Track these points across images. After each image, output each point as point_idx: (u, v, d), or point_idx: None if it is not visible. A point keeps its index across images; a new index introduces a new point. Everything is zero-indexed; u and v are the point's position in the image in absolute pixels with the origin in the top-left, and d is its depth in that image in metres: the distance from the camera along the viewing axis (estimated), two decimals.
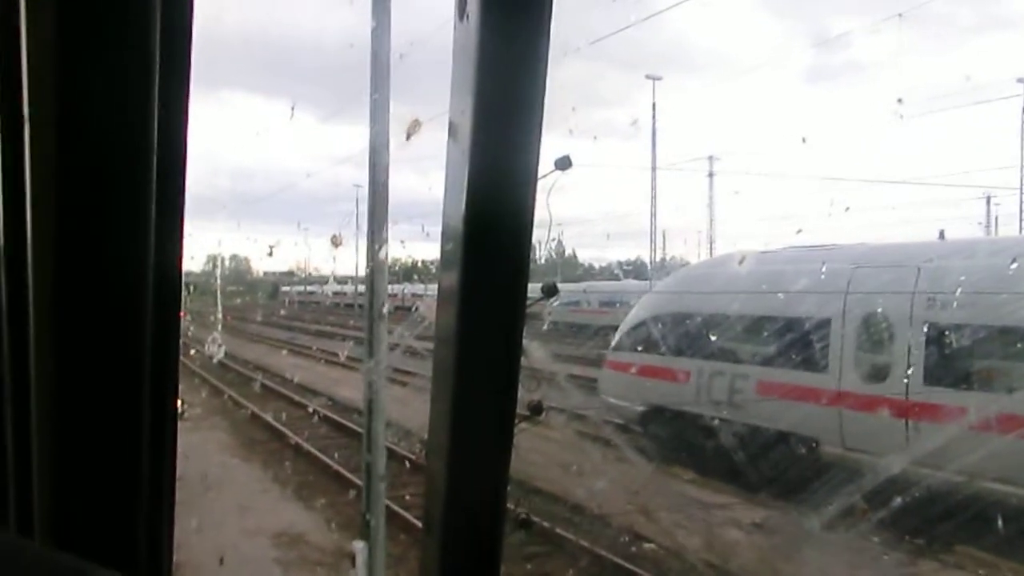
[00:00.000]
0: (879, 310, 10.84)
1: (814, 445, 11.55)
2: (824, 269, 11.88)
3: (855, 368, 10.92)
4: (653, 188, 37.51)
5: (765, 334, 12.29)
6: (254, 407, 17.97)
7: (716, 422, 12.68)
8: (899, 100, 50.93)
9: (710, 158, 41.11)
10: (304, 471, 12.96)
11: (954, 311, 10.02)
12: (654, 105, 36.19)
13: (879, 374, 10.72)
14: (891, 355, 10.60)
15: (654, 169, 36.93)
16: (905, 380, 10.19)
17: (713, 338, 13.01)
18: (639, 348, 14.36)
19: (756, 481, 11.11)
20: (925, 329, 10.21)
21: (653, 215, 38.06)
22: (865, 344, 11.03)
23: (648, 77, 35.55)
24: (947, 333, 10.06)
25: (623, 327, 15.14)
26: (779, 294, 11.96)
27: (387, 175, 6.99)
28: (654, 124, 36.25)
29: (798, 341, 11.73)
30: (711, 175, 44.32)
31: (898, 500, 8.86)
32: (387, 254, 7.28)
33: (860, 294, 10.87)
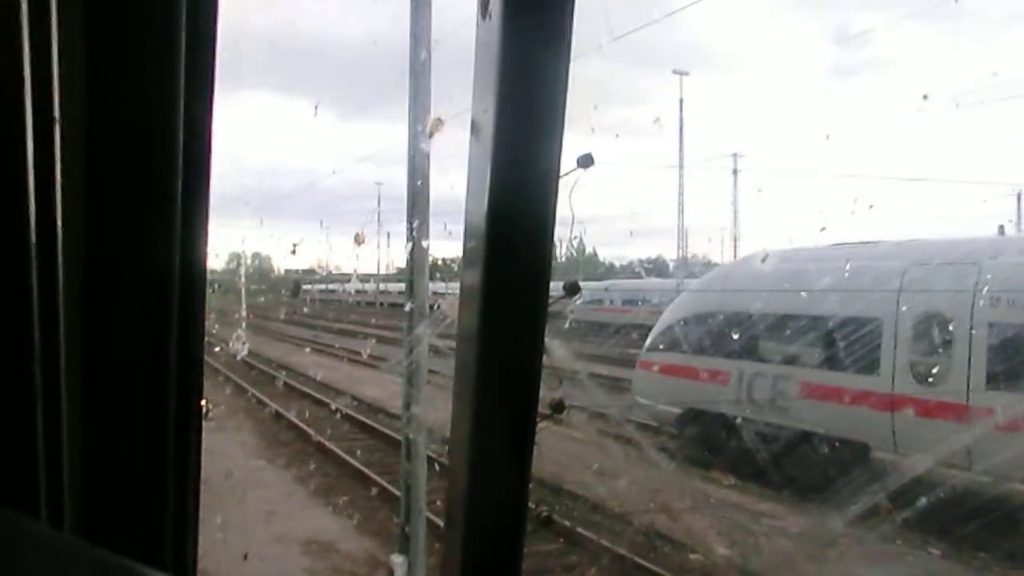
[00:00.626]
0: (936, 309, 10.19)
1: (864, 450, 10.93)
2: (873, 267, 11.24)
3: (909, 370, 10.30)
4: (680, 185, 36.64)
5: (810, 334, 11.68)
6: (278, 406, 17.65)
7: (757, 425, 12.07)
8: (924, 97, 49.86)
9: (734, 155, 40.36)
10: (331, 473, 12.62)
11: (1020, 310, 9.37)
12: (681, 101, 35.53)
13: (936, 376, 10.08)
14: (950, 357, 10.00)
15: (681, 166, 36.07)
16: (965, 383, 9.55)
17: (754, 338, 12.40)
18: (675, 348, 13.86)
19: (802, 487, 10.51)
20: (988, 329, 9.56)
21: (681, 212, 37.23)
22: (921, 345, 10.42)
23: (676, 72, 34.85)
24: (1013, 334, 9.41)
25: (658, 326, 14.60)
26: (825, 292, 11.33)
27: (427, 170, 6.78)
28: (681, 120, 35.51)
29: (846, 342, 11.13)
30: (735, 172, 43.56)
31: (956, 510, 8.21)
32: (427, 252, 7.14)
33: (915, 292, 10.23)
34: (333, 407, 17.61)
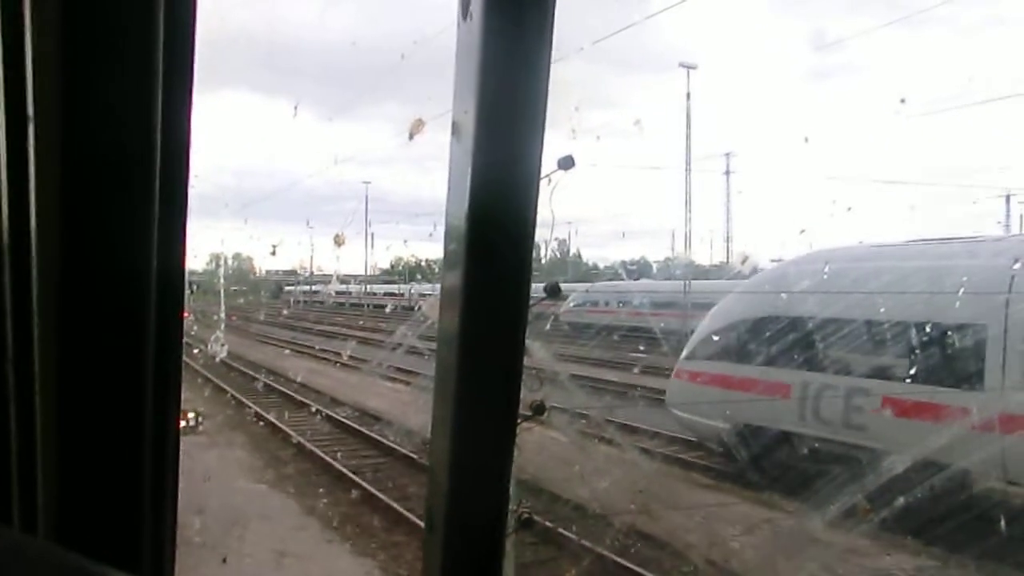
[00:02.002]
0: None
1: (963, 477, 9.26)
2: (970, 265, 9.60)
3: None
4: (687, 184, 34.95)
5: (891, 342, 10.05)
6: (274, 417, 16.42)
7: (826, 445, 10.40)
8: (902, 100, 49.32)
9: (727, 155, 38.94)
10: (342, 499, 10.82)
11: None
12: (688, 95, 33.89)
13: None
14: None
15: (688, 167, 34.40)
16: None
17: (822, 346, 10.74)
18: (723, 356, 12.18)
19: (892, 517, 8.84)
20: None
21: (688, 207, 35.51)
22: None
23: (682, 66, 33.31)
24: None
25: (700, 332, 12.99)
26: (908, 295, 9.67)
27: None
28: (688, 115, 33.85)
29: (940, 351, 9.48)
30: (728, 173, 42.16)
31: None
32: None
33: None
34: (333, 418, 15.87)
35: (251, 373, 22.37)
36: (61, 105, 1.06)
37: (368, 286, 64.71)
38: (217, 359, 21.96)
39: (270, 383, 20.87)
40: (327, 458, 12.95)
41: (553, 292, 1.86)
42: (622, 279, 47.09)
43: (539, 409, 1.68)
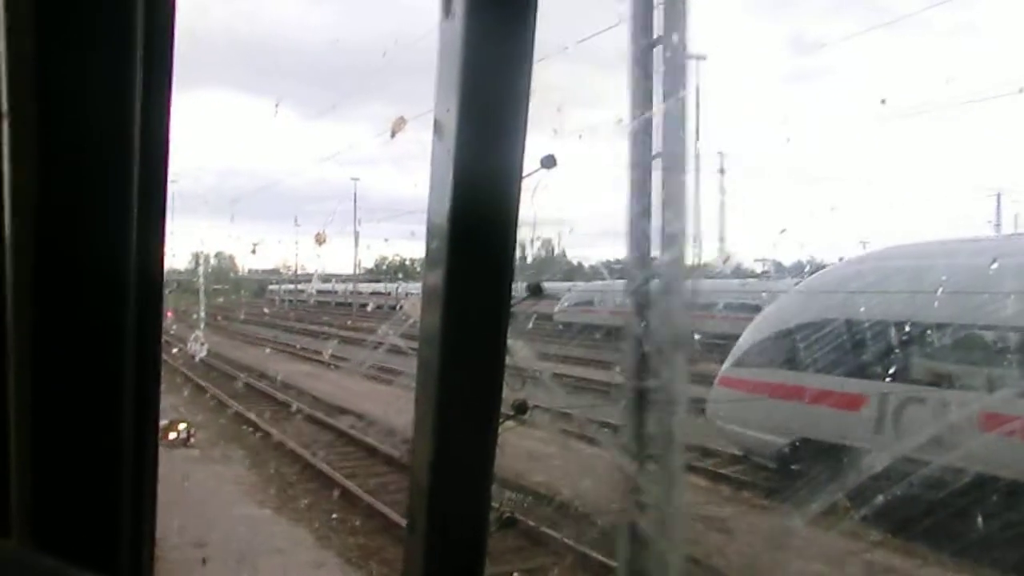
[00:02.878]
0: None
1: None
2: None
3: None
4: (696, 183, 33.21)
5: (997, 350, 8.65)
6: (272, 429, 15.33)
7: (914, 465, 9.03)
8: (883, 101, 49.04)
9: (720, 153, 37.55)
10: (360, 526, 9.46)
11: None
12: (697, 88, 32.34)
13: None
14: None
15: (697, 166, 32.73)
16: None
17: (907, 353, 9.33)
18: (781, 363, 10.75)
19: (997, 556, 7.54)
20: None
21: (696, 210, 33.98)
22: None
23: (691, 57, 31.71)
24: None
25: (752, 335, 11.58)
26: (1013, 295, 8.32)
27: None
28: (697, 107, 32.19)
29: None
30: (722, 171, 40.90)
31: None
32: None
33: None
34: (340, 430, 14.37)
35: (243, 377, 21.42)
36: (36, 101, 1.03)
37: (355, 285, 62.91)
38: (197, 359, 21.45)
39: (264, 389, 20.18)
40: (337, 475, 11.41)
41: (535, 291, 1.85)
42: (604, 279, 47.51)
43: (521, 408, 1.65)
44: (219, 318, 43.48)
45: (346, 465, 12.61)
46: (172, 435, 14.03)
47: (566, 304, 40.68)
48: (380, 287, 55.35)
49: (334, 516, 10.22)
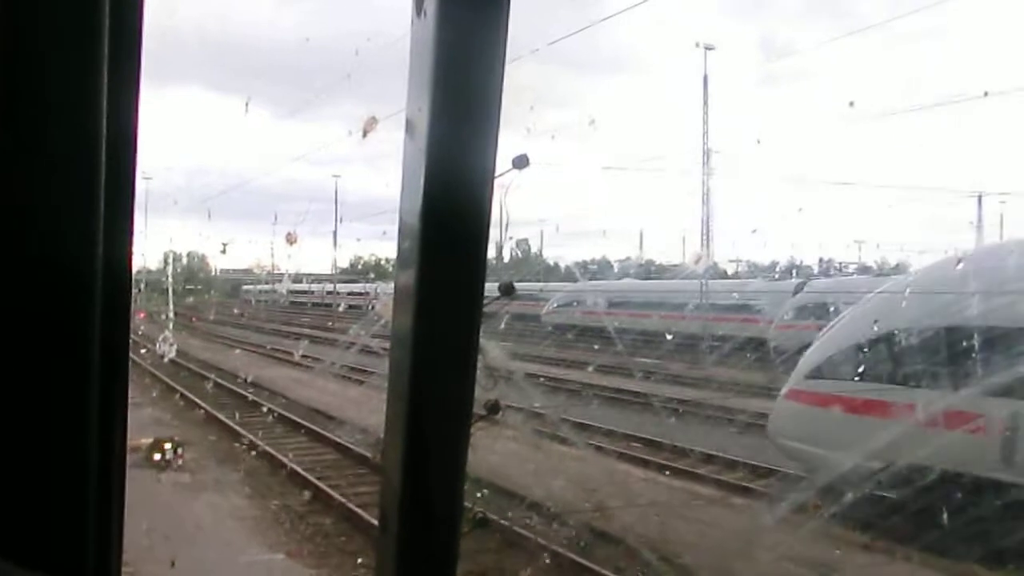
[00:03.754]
0: None
1: None
2: None
3: None
4: (705, 174, 31.55)
5: None
6: (268, 446, 13.47)
7: None
8: (851, 104, 49.62)
9: (707, 150, 36.35)
10: None
11: None
12: (706, 78, 30.82)
13: None
14: None
15: (706, 161, 31.15)
16: None
17: None
18: (869, 375, 9.12)
19: None
20: None
21: (705, 200, 32.11)
22: None
23: (699, 46, 30.43)
24: None
25: (831, 343, 10.00)
26: None
27: None
28: (706, 98, 30.63)
29: None
30: (706, 168, 39.60)
31: None
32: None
33: None
34: (350, 448, 12.55)
35: (227, 384, 20.12)
36: (1, 99, 1.01)
37: (333, 285, 61.10)
38: (166, 359, 20.65)
39: (254, 398, 18.45)
40: (357, 509, 9.54)
41: (507, 291, 1.85)
42: (576, 279, 45.10)
43: (493, 408, 1.62)
44: (193, 319, 41.42)
45: (363, 492, 10.77)
46: (157, 456, 12.03)
47: (555, 305, 39.10)
48: (358, 287, 53.32)
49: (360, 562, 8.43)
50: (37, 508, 1.09)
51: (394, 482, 1.47)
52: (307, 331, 34.68)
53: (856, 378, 9.89)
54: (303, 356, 23.74)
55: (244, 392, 18.76)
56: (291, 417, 15.83)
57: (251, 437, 13.85)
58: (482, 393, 1.57)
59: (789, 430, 10.64)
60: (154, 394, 18.60)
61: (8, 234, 1.03)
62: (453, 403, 1.46)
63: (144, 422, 14.85)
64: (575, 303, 37.12)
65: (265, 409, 16.59)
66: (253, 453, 13.05)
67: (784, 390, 11.13)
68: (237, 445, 13.59)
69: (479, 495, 8.79)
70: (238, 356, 26.54)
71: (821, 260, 53.43)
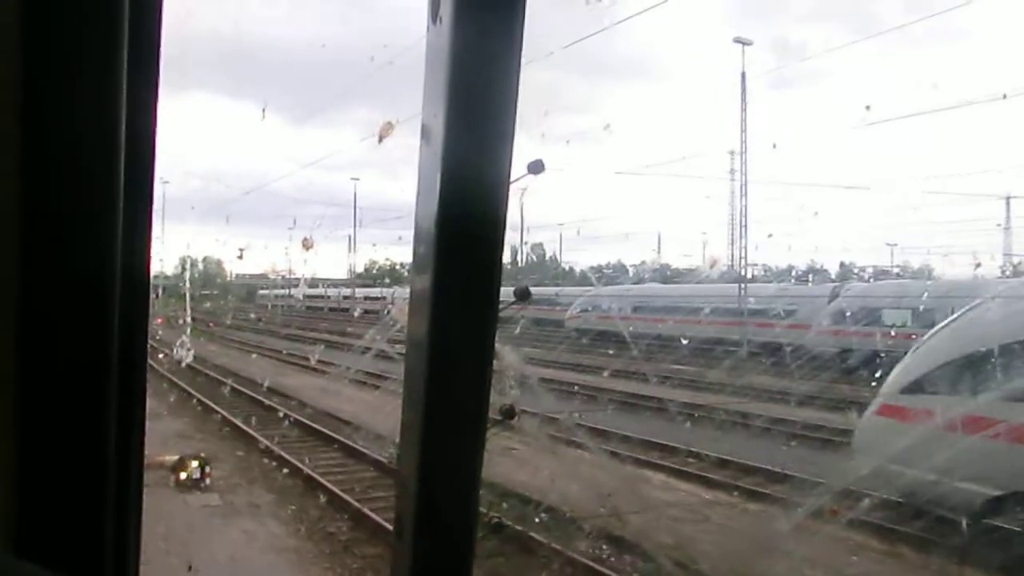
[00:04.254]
0: None
1: None
2: None
3: None
4: (743, 163, 29.98)
5: None
6: (300, 463, 12.23)
7: None
8: (867, 107, 50.71)
9: (731, 153, 35.10)
10: None
11: None
12: (743, 75, 29.57)
13: None
14: None
15: (744, 151, 29.78)
16: None
17: None
18: (987, 390, 7.99)
19: None
20: None
21: (743, 193, 30.61)
22: None
23: (737, 41, 29.24)
24: None
25: (935, 352, 8.78)
26: None
27: None
28: (743, 94, 29.35)
29: None
30: (733, 172, 38.38)
31: None
32: None
33: None
34: (376, 460, 11.72)
35: (250, 392, 19.14)
36: (22, 105, 1.02)
37: (349, 290, 60.44)
38: (183, 364, 20.06)
39: (281, 408, 17.10)
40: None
41: (523, 296, 1.78)
42: (591, 283, 45.12)
43: (509, 413, 1.64)
44: (211, 325, 40.51)
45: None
46: (182, 475, 10.95)
47: (578, 310, 38.02)
48: (376, 292, 52.46)
49: None
50: (56, 510, 1.10)
51: (409, 487, 1.48)
52: (325, 336, 33.70)
53: (949, 391, 8.76)
54: (324, 362, 22.76)
55: (269, 401, 17.77)
56: (321, 430, 14.77)
57: (281, 452, 12.81)
58: (497, 398, 1.53)
59: (884, 450, 9.49)
60: (174, 403, 17.71)
61: (29, 240, 1.04)
62: (468, 408, 1.45)
63: (165, 435, 13.93)
64: (600, 308, 36.02)
65: (293, 420, 15.56)
66: (285, 471, 12.00)
67: (875, 405, 9.99)
68: (267, 461, 12.55)
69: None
70: (258, 362, 25.69)
71: (842, 264, 52.38)
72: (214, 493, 10.86)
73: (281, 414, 16.32)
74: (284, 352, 28.03)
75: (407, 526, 1.48)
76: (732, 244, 43.18)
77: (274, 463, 12.44)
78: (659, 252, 58.79)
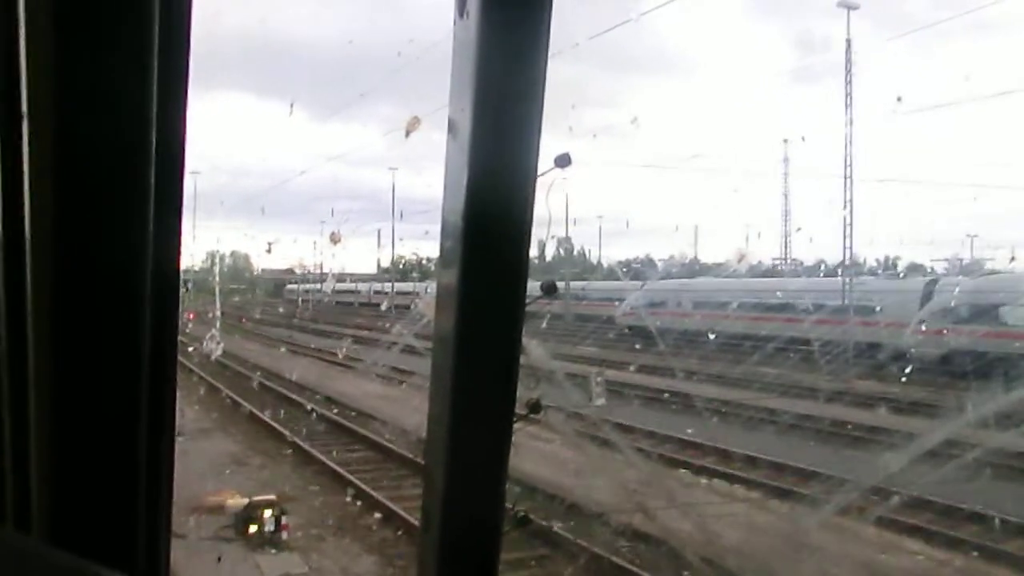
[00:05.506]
0: None
1: None
2: None
3: None
4: (848, 144, 26.43)
5: None
6: (392, 502, 9.66)
7: None
8: (898, 99, 46.85)
9: (785, 140, 32.00)
10: None
11: None
12: (848, 41, 26.30)
13: None
14: None
15: (850, 123, 26.29)
16: None
17: None
18: None
19: None
20: None
21: (848, 177, 27.02)
22: None
23: (841, 6, 26.05)
24: None
25: None
26: None
27: None
28: (848, 65, 25.95)
29: None
30: (786, 160, 35.37)
31: None
32: None
33: None
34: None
35: (304, 401, 16.59)
36: (56, 103, 1.04)
37: (382, 285, 58.20)
38: (212, 358, 18.83)
39: (349, 424, 14.68)
40: None
41: (549, 290, 1.74)
42: (618, 279, 43.10)
43: (535, 408, 1.58)
44: (243, 320, 37.95)
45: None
46: (253, 528, 8.12)
47: (628, 307, 35.15)
48: (408, 286, 49.91)
49: None
50: (91, 501, 1.12)
51: (436, 481, 1.47)
52: (366, 334, 30.96)
53: None
54: (378, 365, 20.05)
55: (331, 414, 15.24)
56: (404, 454, 12.05)
57: (363, 486, 10.15)
58: (524, 392, 1.51)
59: None
60: (222, 414, 15.11)
61: (63, 236, 1.06)
62: (495, 403, 1.45)
63: (219, 462, 11.26)
64: (657, 303, 33.17)
65: (370, 442, 12.93)
66: (378, 515, 9.31)
67: None
68: (352, 502, 9.86)
69: None
70: (307, 365, 23.34)
71: (887, 259, 49.51)
72: (294, 553, 8.19)
73: (350, 432, 13.78)
74: (330, 351, 25.73)
75: (434, 519, 1.48)
76: (785, 236, 40.05)
77: (359, 503, 9.78)
78: (696, 246, 56.32)
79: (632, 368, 20.34)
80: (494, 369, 1.42)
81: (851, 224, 26.64)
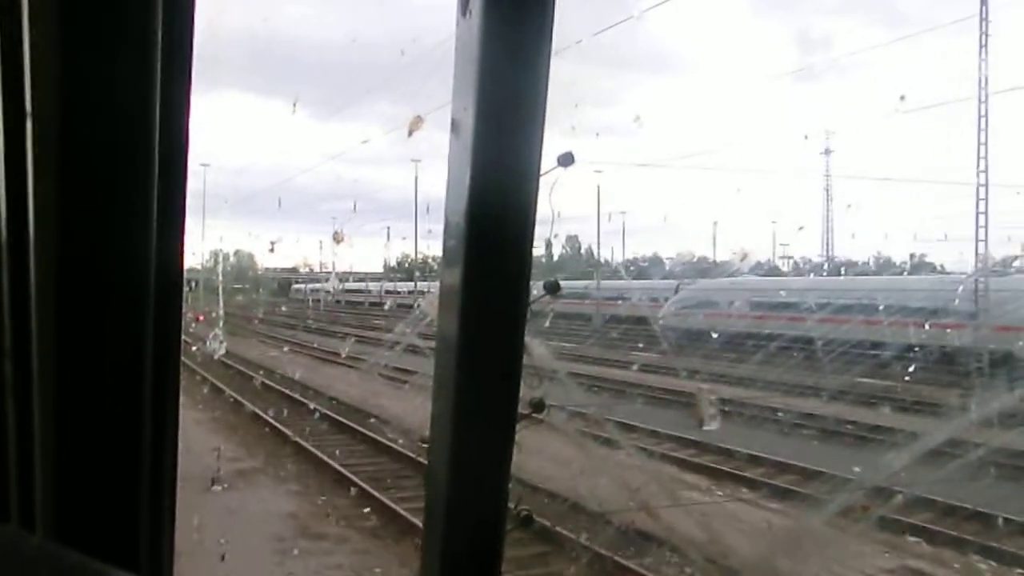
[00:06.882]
0: None
1: None
2: None
3: None
4: (984, 126, 21.74)
5: None
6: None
7: None
8: (902, 98, 48.26)
9: (827, 131, 29.10)
10: None
11: None
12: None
13: None
14: None
15: (984, 100, 22.18)
16: None
17: None
18: None
19: None
20: None
21: (980, 169, 22.28)
22: None
23: None
24: None
25: None
26: None
27: None
28: (984, 24, 21.72)
29: None
30: (828, 152, 32.46)
31: None
32: None
33: None
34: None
35: (337, 417, 14.94)
36: (59, 101, 1.04)
37: (391, 284, 55.71)
38: (215, 357, 17.80)
39: (400, 448, 12.16)
40: None
41: (552, 289, 1.71)
42: (622, 278, 41.95)
43: (538, 407, 1.58)
44: (254, 320, 35.05)
45: None
46: None
47: (673, 308, 31.81)
48: (424, 286, 47.25)
49: None
50: (94, 499, 1.13)
51: (439, 481, 1.48)
52: (386, 336, 27.73)
53: None
54: (401, 370, 16.83)
55: (379, 437, 12.14)
56: None
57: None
58: (527, 391, 1.51)
59: None
60: (244, 435, 13.19)
61: (67, 236, 1.06)
62: (498, 401, 1.45)
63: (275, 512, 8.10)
64: (705, 304, 30.04)
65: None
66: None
67: None
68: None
69: None
70: (331, 373, 21.31)
71: (913, 255, 46.96)
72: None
73: (398, 456, 11.25)
74: (347, 355, 23.40)
75: (437, 519, 1.49)
76: (826, 234, 37.15)
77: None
78: (714, 244, 53.74)
79: (723, 380, 17.41)
80: (497, 368, 1.41)
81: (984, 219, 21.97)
